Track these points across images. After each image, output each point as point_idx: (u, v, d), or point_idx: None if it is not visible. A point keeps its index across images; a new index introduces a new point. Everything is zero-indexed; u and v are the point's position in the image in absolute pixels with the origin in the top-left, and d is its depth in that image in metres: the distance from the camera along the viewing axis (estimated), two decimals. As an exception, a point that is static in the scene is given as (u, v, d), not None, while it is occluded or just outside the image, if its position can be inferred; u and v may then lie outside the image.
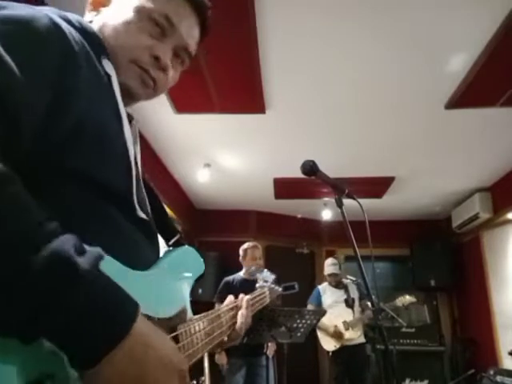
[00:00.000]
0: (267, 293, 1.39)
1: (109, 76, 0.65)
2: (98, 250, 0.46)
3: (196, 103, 3.11)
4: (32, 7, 0.54)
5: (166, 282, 0.68)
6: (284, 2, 2.15)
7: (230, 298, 1.04)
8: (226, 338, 0.93)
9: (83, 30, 0.63)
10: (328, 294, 3.94)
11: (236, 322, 0.97)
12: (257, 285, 1.47)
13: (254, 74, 2.69)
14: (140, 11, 0.70)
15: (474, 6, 2.12)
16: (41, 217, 0.43)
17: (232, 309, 0.99)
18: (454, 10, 2.16)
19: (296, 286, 1.84)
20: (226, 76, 2.76)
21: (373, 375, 4.30)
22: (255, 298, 1.21)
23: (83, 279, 0.42)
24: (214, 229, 5.53)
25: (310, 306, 3.93)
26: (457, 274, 5.29)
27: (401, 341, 4.83)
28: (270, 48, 2.48)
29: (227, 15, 2.20)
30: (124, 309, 0.45)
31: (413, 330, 4.99)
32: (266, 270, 1.59)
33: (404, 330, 4.84)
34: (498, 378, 3.49)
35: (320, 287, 4.08)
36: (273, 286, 1.50)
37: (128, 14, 0.70)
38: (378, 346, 4.25)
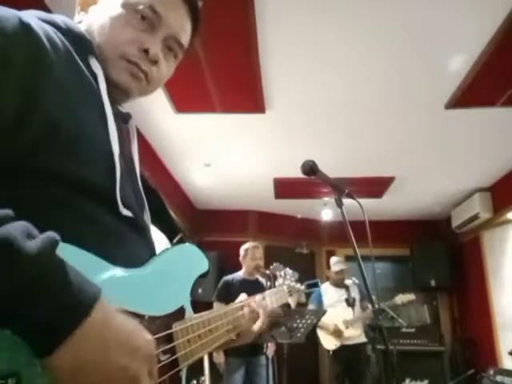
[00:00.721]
0: (286, 291, 1.38)
1: (95, 75, 0.64)
2: (51, 234, 0.44)
3: (196, 103, 3.11)
4: (3, 8, 0.53)
5: (159, 280, 0.67)
6: (284, 2, 2.15)
7: (243, 295, 1.04)
8: (234, 337, 0.92)
9: (68, 31, 0.63)
10: (329, 294, 3.95)
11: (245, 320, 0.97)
12: (276, 283, 1.46)
13: (254, 74, 2.69)
14: (125, 5, 0.69)
15: (473, 6, 2.12)
16: None
17: (242, 307, 0.98)
18: (453, 10, 2.16)
19: (319, 283, 1.82)
20: (226, 76, 2.76)
21: (373, 375, 4.31)
22: (272, 296, 1.20)
23: (29, 262, 0.40)
24: (214, 229, 5.53)
25: (310, 306, 3.95)
26: (457, 274, 5.29)
27: (401, 341, 4.83)
28: (270, 48, 2.48)
29: (227, 15, 2.20)
30: (79, 294, 0.44)
31: (413, 330, 5.00)
32: (287, 268, 1.58)
33: (404, 330, 4.85)
34: (498, 378, 3.49)
35: (321, 287, 4.09)
36: (293, 284, 1.48)
37: (114, 9, 0.69)
38: (378, 346, 4.25)
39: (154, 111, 3.18)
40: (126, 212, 0.64)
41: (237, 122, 3.40)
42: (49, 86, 0.54)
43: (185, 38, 0.76)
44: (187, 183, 4.74)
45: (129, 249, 0.64)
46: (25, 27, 0.53)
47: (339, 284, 3.94)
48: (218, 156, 4.06)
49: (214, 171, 4.29)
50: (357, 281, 3.97)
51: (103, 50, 0.67)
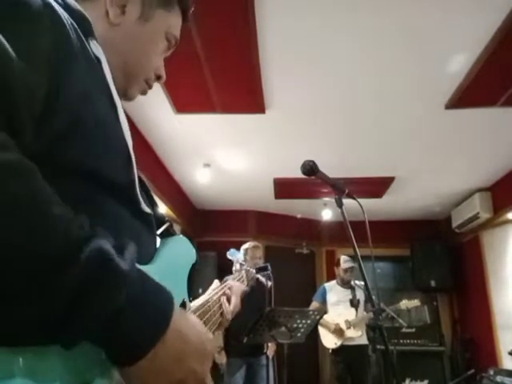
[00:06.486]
0: (244, 276, 1.41)
1: (98, 59, 0.59)
2: (133, 248, 0.48)
3: (196, 103, 3.11)
4: None
5: (166, 275, 0.66)
6: (284, 3, 2.15)
7: (216, 282, 1.06)
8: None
9: (67, 7, 0.55)
10: (334, 293, 3.95)
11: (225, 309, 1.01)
12: (233, 268, 1.48)
13: (254, 74, 2.69)
14: (169, 38, 0.74)
15: (474, 6, 2.12)
16: (72, 213, 0.41)
17: (220, 297, 1.01)
18: (453, 10, 2.16)
19: (268, 267, 1.84)
20: (226, 76, 2.76)
21: (373, 375, 4.31)
22: (235, 281, 1.24)
23: (126, 279, 0.43)
24: (213, 229, 5.52)
25: (314, 303, 3.96)
26: (457, 274, 5.30)
27: (401, 341, 4.82)
28: (269, 48, 2.48)
29: (227, 16, 2.20)
30: (163, 304, 0.47)
31: (413, 330, 4.99)
32: (239, 253, 1.59)
33: (404, 330, 4.84)
34: (498, 378, 3.49)
35: (327, 285, 4.10)
36: (248, 268, 1.52)
37: (158, 35, 0.73)
38: (379, 347, 4.25)
39: (154, 111, 3.18)
40: (146, 209, 0.63)
41: (237, 121, 3.39)
42: (74, 71, 0.50)
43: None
44: (187, 183, 4.74)
45: (145, 245, 0.63)
46: (47, 7, 0.49)
47: (346, 283, 3.93)
48: (218, 156, 4.06)
49: (214, 171, 4.29)
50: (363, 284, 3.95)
51: (128, 62, 0.69)
